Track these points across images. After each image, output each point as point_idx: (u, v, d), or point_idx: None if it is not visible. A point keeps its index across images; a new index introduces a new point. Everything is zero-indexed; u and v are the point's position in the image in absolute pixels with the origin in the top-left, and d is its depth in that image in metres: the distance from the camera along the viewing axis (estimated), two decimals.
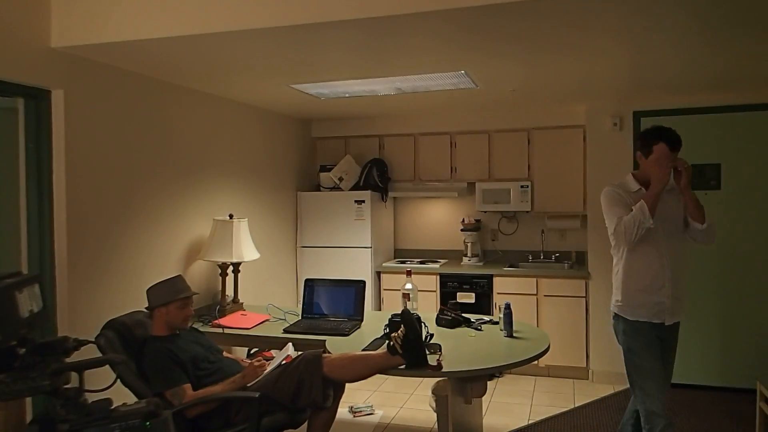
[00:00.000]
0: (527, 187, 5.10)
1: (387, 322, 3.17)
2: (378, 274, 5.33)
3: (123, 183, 3.39)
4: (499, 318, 3.33)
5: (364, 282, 3.74)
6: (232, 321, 3.72)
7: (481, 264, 5.30)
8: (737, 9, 2.51)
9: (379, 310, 5.23)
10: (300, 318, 3.74)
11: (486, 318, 3.60)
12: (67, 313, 2.99)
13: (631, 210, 2.71)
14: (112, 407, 1.69)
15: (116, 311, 3.06)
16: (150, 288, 2.92)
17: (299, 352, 2.95)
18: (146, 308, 2.91)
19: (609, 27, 2.75)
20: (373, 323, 3.54)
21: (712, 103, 4.50)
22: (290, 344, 3.17)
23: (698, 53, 3.25)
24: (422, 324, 2.90)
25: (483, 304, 4.95)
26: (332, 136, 5.78)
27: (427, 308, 4.59)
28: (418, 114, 5.44)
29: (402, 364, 2.70)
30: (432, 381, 3.03)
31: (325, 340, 3.21)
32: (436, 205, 5.75)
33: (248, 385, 2.79)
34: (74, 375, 1.73)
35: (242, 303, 4.10)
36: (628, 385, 2.88)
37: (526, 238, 5.46)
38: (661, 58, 3.35)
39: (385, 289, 5.31)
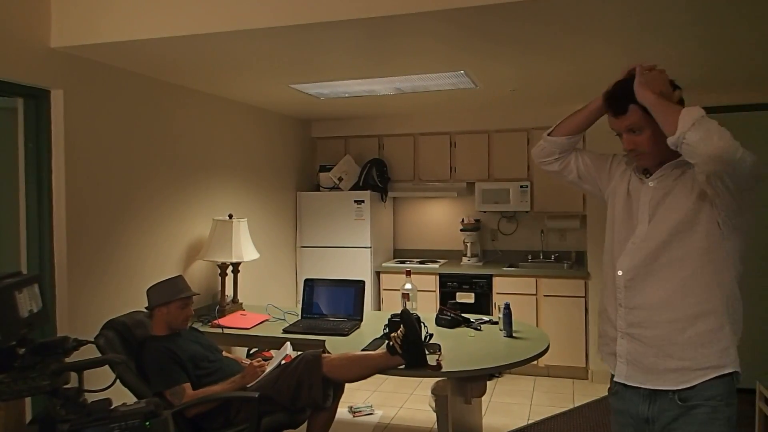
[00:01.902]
0: (527, 187, 5.10)
1: (386, 322, 3.17)
2: (377, 274, 5.33)
3: (122, 183, 3.38)
4: (499, 318, 3.33)
5: (363, 282, 3.74)
6: (231, 321, 3.72)
7: (480, 264, 5.30)
8: (734, 5, 2.50)
9: (379, 310, 5.23)
10: (299, 318, 3.74)
11: (485, 318, 3.61)
12: (67, 313, 2.99)
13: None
14: (112, 407, 1.69)
15: (116, 311, 3.06)
16: (150, 288, 2.92)
17: (298, 352, 2.95)
18: (146, 308, 2.92)
19: (607, 27, 2.76)
20: (373, 323, 3.54)
21: (710, 103, 4.46)
22: (288, 344, 3.17)
23: (695, 52, 3.24)
24: (422, 324, 2.91)
25: (482, 304, 4.96)
26: (332, 136, 5.78)
27: (427, 308, 4.58)
28: (417, 114, 5.44)
29: (401, 364, 2.71)
30: (431, 381, 3.03)
31: (324, 340, 3.21)
32: (436, 205, 5.74)
33: (248, 385, 2.79)
34: (74, 375, 1.73)
35: (242, 303, 4.10)
36: None
37: (526, 238, 5.46)
38: (658, 58, 3.34)
39: (384, 289, 5.31)
